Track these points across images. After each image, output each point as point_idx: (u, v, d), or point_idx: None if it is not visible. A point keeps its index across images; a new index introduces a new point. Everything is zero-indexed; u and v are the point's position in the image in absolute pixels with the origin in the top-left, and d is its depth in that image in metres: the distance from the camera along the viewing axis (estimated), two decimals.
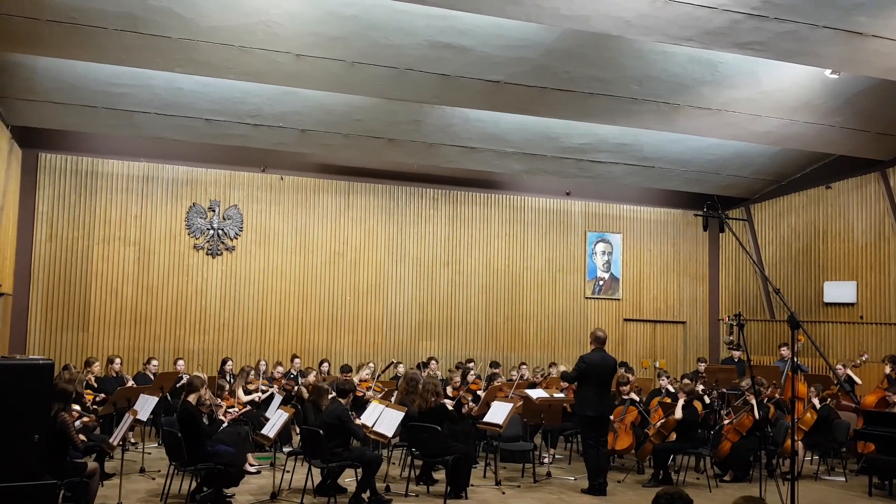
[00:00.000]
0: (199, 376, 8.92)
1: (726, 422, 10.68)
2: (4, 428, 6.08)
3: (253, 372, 11.95)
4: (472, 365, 13.72)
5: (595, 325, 16.07)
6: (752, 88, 11.18)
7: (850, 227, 14.91)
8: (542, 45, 9.86)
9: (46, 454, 6.33)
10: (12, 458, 6.06)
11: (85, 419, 8.64)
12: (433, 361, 13.58)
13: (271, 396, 11.18)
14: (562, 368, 12.54)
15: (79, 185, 13.70)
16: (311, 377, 11.82)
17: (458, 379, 11.92)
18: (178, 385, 10.91)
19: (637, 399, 11.20)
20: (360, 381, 12.18)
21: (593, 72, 10.53)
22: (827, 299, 15.14)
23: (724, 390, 11.86)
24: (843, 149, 13.54)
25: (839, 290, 14.91)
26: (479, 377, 12.84)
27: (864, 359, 12.60)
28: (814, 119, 12.10)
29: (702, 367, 14.01)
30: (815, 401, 10.96)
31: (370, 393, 11.68)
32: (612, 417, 10.61)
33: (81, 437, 7.57)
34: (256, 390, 11.63)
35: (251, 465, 9.87)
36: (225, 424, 9.07)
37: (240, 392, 11.33)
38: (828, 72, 10.66)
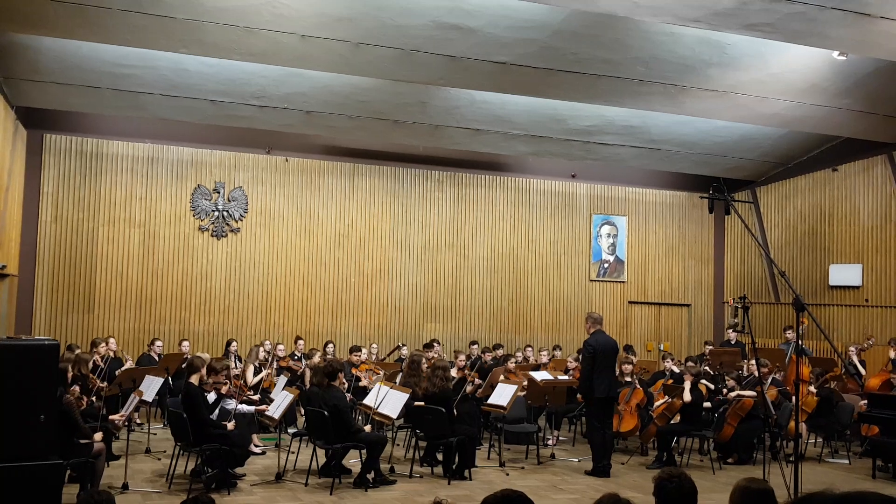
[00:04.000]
0: (200, 357, 8.95)
1: (731, 392, 10.65)
2: (11, 408, 6.10)
3: (263, 353, 11.92)
4: (475, 347, 13.76)
5: (600, 308, 16.12)
6: (759, 70, 11.11)
7: (856, 209, 14.86)
8: (549, 26, 9.80)
9: (52, 434, 6.35)
10: (19, 439, 6.09)
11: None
12: (435, 343, 13.58)
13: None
14: (569, 358, 12.60)
15: (84, 166, 13.69)
16: (316, 358, 11.85)
17: (462, 359, 11.95)
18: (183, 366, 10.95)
19: (645, 381, 11.21)
20: (361, 362, 12.20)
21: (600, 53, 10.47)
22: (832, 282, 15.11)
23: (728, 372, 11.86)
24: (850, 131, 13.47)
25: (845, 273, 14.88)
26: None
27: (870, 342, 12.60)
28: (821, 101, 12.04)
29: (707, 349, 14.02)
30: (812, 388, 10.96)
31: (364, 375, 11.72)
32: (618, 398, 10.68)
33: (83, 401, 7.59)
34: (268, 374, 11.59)
35: (256, 446, 9.92)
36: (236, 408, 9.01)
37: (249, 372, 11.32)
38: (836, 53, 10.57)
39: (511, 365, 11.69)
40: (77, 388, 8.24)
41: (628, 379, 11.06)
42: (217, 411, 8.57)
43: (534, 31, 9.89)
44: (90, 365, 9.34)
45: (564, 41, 10.14)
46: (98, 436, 7.65)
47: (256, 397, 9.93)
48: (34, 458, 6.11)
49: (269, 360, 11.68)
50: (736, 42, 10.38)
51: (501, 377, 10.83)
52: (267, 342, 12.66)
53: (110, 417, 8.44)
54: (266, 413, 9.07)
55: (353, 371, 11.84)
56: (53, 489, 6.17)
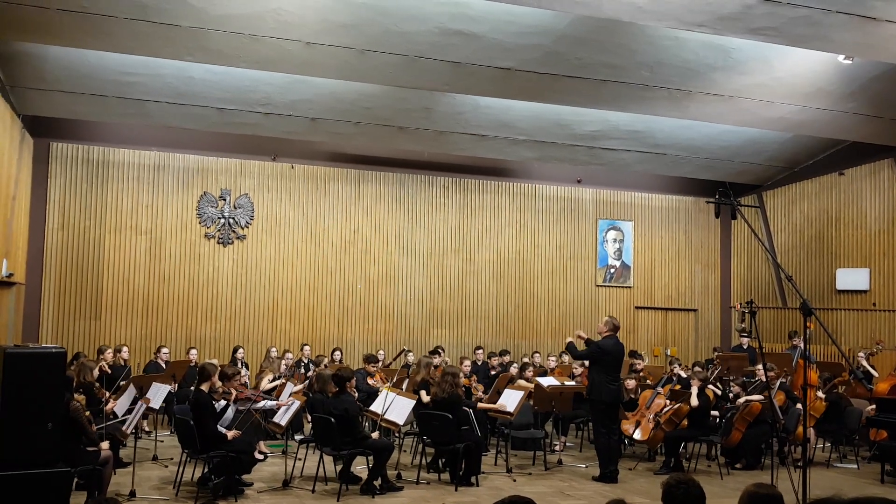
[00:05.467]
0: (212, 363, 8.95)
1: (740, 396, 10.61)
2: (18, 415, 6.12)
3: (285, 366, 11.87)
4: (480, 352, 13.75)
5: (606, 313, 16.07)
6: (764, 74, 11.09)
7: (863, 213, 14.81)
8: (553, 31, 9.80)
9: (60, 442, 6.36)
10: (26, 446, 6.11)
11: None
12: (440, 350, 13.58)
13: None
14: (575, 364, 12.57)
15: (90, 174, 13.74)
16: (323, 364, 11.82)
17: (468, 364, 11.93)
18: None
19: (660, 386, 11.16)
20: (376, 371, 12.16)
21: (605, 58, 10.47)
22: (839, 286, 15.06)
23: (742, 378, 11.82)
24: (856, 135, 13.43)
25: (852, 278, 14.83)
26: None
27: (879, 347, 12.55)
28: (827, 105, 12.01)
29: (716, 355, 13.97)
30: (821, 393, 10.94)
31: (380, 384, 11.68)
32: (638, 403, 10.70)
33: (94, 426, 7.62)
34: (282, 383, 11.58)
35: (260, 453, 9.91)
36: (252, 406, 9.08)
37: (265, 381, 11.28)
38: (841, 57, 10.55)
39: (529, 373, 11.60)
40: (83, 398, 8.23)
41: (631, 392, 11.01)
42: (231, 415, 8.58)
43: (538, 36, 9.89)
44: (95, 373, 9.35)
45: (569, 46, 10.15)
46: (105, 444, 7.66)
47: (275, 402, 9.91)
48: (42, 466, 6.12)
49: (289, 373, 11.63)
50: (741, 46, 10.37)
51: (522, 382, 10.81)
52: (289, 354, 12.61)
53: (106, 408, 8.42)
54: (273, 420, 9.07)
55: (369, 381, 11.79)
56: (61, 497, 6.18)
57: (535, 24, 9.65)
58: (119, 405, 8.69)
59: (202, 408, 8.08)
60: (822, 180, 15.65)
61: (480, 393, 11.26)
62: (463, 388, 9.72)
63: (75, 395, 7.74)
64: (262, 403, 9.28)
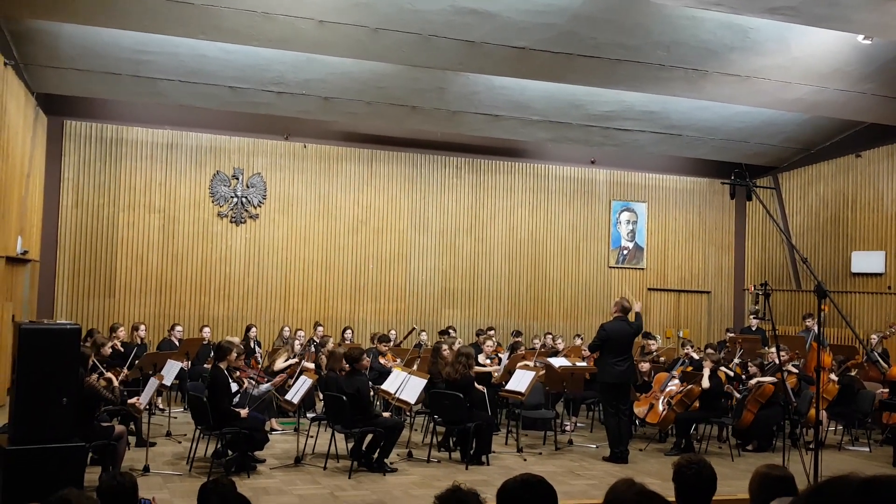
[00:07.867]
0: (230, 341, 8.99)
1: (752, 380, 10.59)
2: (34, 391, 6.18)
3: (298, 345, 11.92)
4: (492, 332, 13.73)
5: (619, 295, 16.01)
6: (782, 55, 10.98)
7: (879, 196, 14.69)
8: (568, 10, 9.72)
9: (74, 417, 6.42)
10: (42, 421, 6.17)
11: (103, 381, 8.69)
12: (451, 330, 13.57)
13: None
14: (584, 347, 12.59)
15: (104, 152, 13.77)
16: (330, 344, 11.85)
17: (490, 345, 11.92)
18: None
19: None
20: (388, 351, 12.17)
21: (620, 38, 10.38)
22: (855, 269, 14.96)
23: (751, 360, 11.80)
24: (874, 116, 13.30)
25: (867, 260, 14.73)
26: (499, 344, 12.89)
27: (892, 330, 12.48)
28: (845, 86, 11.87)
29: (728, 336, 13.95)
30: (833, 376, 10.92)
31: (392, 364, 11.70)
32: (652, 385, 10.70)
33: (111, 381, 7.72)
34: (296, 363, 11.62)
35: (273, 430, 9.98)
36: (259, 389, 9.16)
37: (280, 360, 11.32)
38: (860, 37, 10.43)
39: (521, 351, 11.67)
40: (95, 376, 8.29)
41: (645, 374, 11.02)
42: (238, 398, 8.64)
43: (553, 15, 9.81)
44: (108, 349, 9.39)
45: (584, 26, 10.06)
46: (135, 399, 7.75)
47: (279, 379, 9.95)
48: (57, 441, 6.19)
49: (302, 352, 11.67)
50: (758, 26, 10.25)
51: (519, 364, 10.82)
52: (301, 332, 12.59)
53: (129, 401, 8.51)
54: (285, 397, 9.14)
55: (381, 360, 11.81)
56: (76, 471, 6.24)
57: (550, 3, 9.56)
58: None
59: (219, 385, 8.13)
60: (838, 162, 15.52)
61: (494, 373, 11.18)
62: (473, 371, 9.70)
63: (98, 377, 7.79)
64: (264, 387, 9.35)
